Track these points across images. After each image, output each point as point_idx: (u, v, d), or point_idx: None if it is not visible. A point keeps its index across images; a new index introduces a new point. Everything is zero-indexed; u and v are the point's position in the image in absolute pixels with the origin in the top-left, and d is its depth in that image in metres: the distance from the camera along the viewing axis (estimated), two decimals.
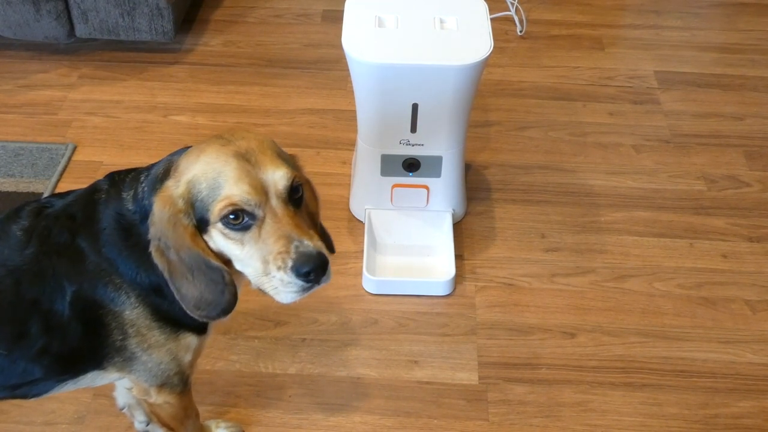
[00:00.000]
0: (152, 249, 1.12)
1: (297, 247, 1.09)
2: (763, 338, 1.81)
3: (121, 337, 1.22)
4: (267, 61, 2.56)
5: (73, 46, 2.57)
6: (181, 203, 1.10)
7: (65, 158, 2.17)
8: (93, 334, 1.21)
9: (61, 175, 2.13)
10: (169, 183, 1.12)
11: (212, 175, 1.09)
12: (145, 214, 1.14)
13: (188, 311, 1.14)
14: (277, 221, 1.09)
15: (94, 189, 1.22)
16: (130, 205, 1.17)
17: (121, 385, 1.53)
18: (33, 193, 2.06)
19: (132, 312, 1.19)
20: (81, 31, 2.46)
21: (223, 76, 2.50)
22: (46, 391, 1.27)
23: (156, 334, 1.22)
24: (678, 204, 2.12)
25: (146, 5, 2.39)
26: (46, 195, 2.05)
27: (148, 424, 1.57)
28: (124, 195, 1.18)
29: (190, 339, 1.26)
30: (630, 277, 1.93)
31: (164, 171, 1.15)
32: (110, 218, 1.18)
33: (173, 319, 1.22)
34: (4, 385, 1.23)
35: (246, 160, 1.10)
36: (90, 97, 2.40)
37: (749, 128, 2.36)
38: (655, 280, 1.92)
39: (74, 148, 2.22)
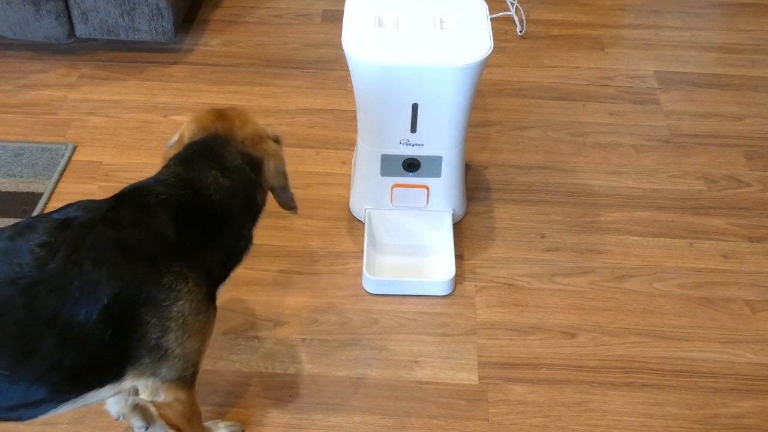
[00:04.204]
0: (287, 183, 1.45)
1: None
2: (763, 338, 1.81)
3: (157, 335, 1.23)
4: (267, 61, 2.56)
5: (73, 46, 2.57)
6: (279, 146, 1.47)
7: (65, 158, 2.17)
8: (123, 338, 1.22)
9: (61, 174, 2.13)
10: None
11: None
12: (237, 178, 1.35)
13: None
14: None
15: (138, 195, 1.29)
16: (210, 192, 1.32)
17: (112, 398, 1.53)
18: (33, 193, 2.06)
19: (185, 299, 1.25)
20: (81, 31, 2.46)
21: (223, 76, 2.50)
22: (43, 413, 1.25)
23: (200, 319, 1.28)
24: (678, 204, 2.12)
25: (146, 5, 2.39)
26: (46, 195, 2.05)
27: (147, 429, 1.57)
28: (204, 191, 1.31)
29: (214, 316, 1.35)
30: (630, 277, 1.93)
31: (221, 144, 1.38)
32: (183, 209, 1.29)
33: (213, 289, 1.34)
34: (1, 407, 1.21)
35: None
36: (90, 97, 2.40)
37: (749, 128, 2.36)
38: (655, 280, 1.92)
39: (74, 148, 2.22)
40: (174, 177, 1.32)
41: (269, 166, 1.40)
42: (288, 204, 1.47)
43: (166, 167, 1.35)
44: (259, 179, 1.39)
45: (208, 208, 1.32)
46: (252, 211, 1.41)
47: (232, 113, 1.41)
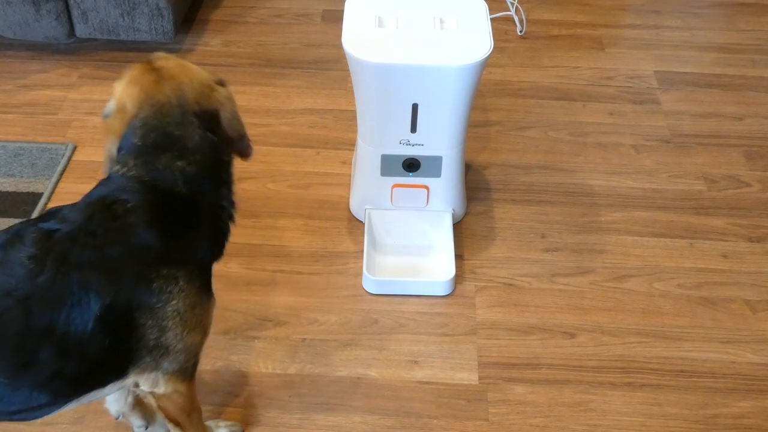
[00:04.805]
0: (244, 130, 1.36)
1: None
2: (763, 338, 1.81)
3: (156, 336, 1.24)
4: (267, 61, 2.56)
5: (73, 46, 2.57)
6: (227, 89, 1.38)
7: (65, 158, 2.17)
8: (122, 343, 1.22)
9: (62, 174, 2.13)
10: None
11: None
12: (202, 156, 1.28)
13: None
14: None
15: (104, 205, 1.24)
16: (179, 187, 1.26)
17: (111, 395, 1.52)
18: (33, 193, 2.07)
19: (179, 298, 1.24)
20: (81, 31, 2.46)
21: (223, 76, 2.45)
22: (46, 414, 1.26)
23: (197, 312, 1.27)
24: (678, 204, 2.12)
25: (146, 5, 2.39)
26: (46, 195, 2.05)
27: (147, 428, 1.57)
28: (172, 188, 1.25)
29: (213, 305, 1.34)
30: (630, 277, 1.93)
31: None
32: (156, 214, 1.24)
33: (207, 278, 1.32)
34: (3, 411, 1.22)
35: None
36: (90, 97, 2.40)
37: (749, 128, 2.36)
38: (655, 280, 1.92)
39: (74, 148, 2.22)
40: (138, 182, 1.24)
41: (225, 116, 1.32)
42: (246, 151, 1.38)
43: (124, 166, 1.25)
44: (217, 133, 1.31)
45: (181, 203, 1.27)
46: (222, 175, 1.34)
47: (172, 68, 1.30)
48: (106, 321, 1.18)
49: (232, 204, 1.36)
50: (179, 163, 1.25)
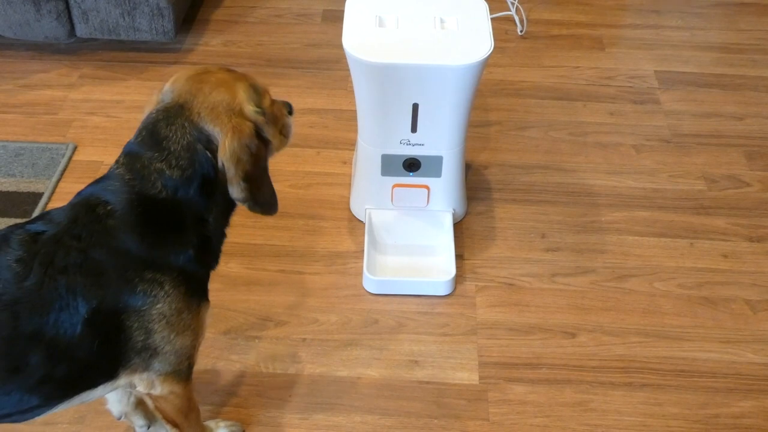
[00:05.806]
0: (236, 171, 1.23)
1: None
2: (763, 338, 1.81)
3: (143, 338, 1.23)
4: (267, 61, 2.57)
5: (74, 46, 2.57)
6: (251, 126, 1.26)
7: (66, 158, 2.18)
8: (110, 345, 1.22)
9: (62, 174, 2.13)
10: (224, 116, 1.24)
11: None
12: (187, 177, 1.23)
13: (266, 209, 1.30)
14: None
15: (89, 206, 1.23)
16: (158, 190, 1.23)
17: (113, 396, 1.53)
18: (33, 193, 2.07)
19: (164, 302, 1.23)
20: (81, 30, 2.46)
21: None
22: (38, 416, 1.26)
23: (184, 317, 1.26)
24: (678, 204, 2.12)
25: (147, 5, 2.39)
26: (47, 195, 2.06)
27: (149, 427, 1.57)
28: (151, 191, 1.22)
29: (205, 309, 1.31)
30: (630, 276, 1.93)
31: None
32: (135, 217, 1.22)
33: (199, 283, 1.30)
34: None
35: None
36: (90, 97, 2.40)
37: (749, 128, 2.37)
38: (655, 280, 1.92)
39: (75, 148, 2.22)
40: (119, 180, 1.23)
41: (224, 143, 1.22)
42: (238, 196, 1.26)
43: (116, 162, 1.26)
44: (215, 155, 1.23)
45: (160, 208, 1.23)
46: (214, 192, 1.26)
47: (212, 76, 1.27)
48: (94, 324, 1.18)
49: (221, 222, 1.31)
50: (158, 165, 1.22)
